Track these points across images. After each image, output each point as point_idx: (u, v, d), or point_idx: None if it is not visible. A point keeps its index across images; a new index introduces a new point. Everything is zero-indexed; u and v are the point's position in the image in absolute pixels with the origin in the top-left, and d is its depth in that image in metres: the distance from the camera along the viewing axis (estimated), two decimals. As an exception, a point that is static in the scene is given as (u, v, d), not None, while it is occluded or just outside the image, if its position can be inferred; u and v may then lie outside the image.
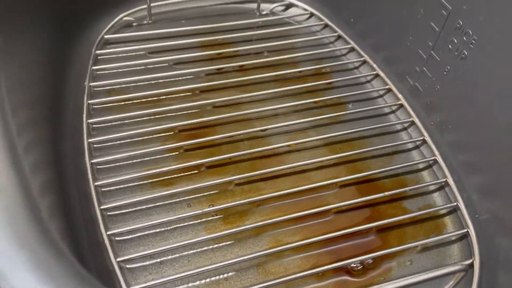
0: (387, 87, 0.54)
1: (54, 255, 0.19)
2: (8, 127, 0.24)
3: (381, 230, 0.43)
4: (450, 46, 0.44)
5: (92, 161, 0.44)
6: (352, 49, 0.59)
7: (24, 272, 0.17)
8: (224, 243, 0.41)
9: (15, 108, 0.28)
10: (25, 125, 0.31)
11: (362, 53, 0.58)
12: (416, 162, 0.48)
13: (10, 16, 0.36)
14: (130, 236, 0.40)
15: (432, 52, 0.47)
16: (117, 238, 0.40)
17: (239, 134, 0.49)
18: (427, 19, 0.47)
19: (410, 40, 0.50)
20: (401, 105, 0.52)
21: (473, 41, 0.41)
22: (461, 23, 0.43)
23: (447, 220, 0.44)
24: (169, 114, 0.50)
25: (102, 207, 0.41)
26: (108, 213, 0.42)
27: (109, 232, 0.39)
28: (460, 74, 0.44)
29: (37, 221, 0.21)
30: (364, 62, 0.58)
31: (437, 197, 0.46)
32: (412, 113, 0.51)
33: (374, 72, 0.56)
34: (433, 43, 0.47)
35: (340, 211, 0.44)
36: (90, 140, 0.45)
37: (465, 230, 0.42)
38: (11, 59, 0.33)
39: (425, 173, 0.48)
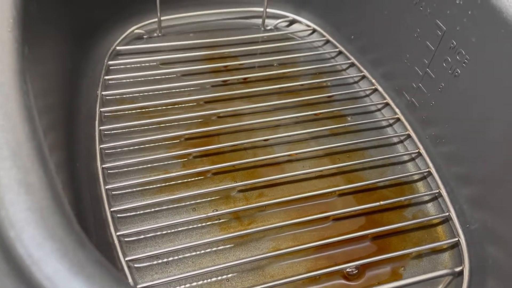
0: (384, 101, 0.57)
1: (78, 246, 0.21)
2: (36, 127, 0.27)
3: (376, 237, 0.45)
4: (444, 64, 0.47)
5: (104, 165, 0.46)
6: (352, 64, 0.62)
7: (55, 262, 0.20)
8: (226, 246, 0.43)
9: (40, 112, 0.30)
10: (47, 129, 0.33)
11: (362, 68, 0.61)
12: (411, 173, 0.50)
13: (34, 27, 0.38)
14: (138, 237, 0.43)
15: (427, 69, 0.50)
16: (126, 239, 0.42)
17: (243, 143, 0.51)
18: (424, 38, 0.50)
19: (407, 58, 0.53)
20: (398, 119, 0.55)
21: (465, 60, 0.44)
22: (455, 43, 0.45)
23: (440, 229, 0.46)
24: (176, 123, 0.53)
25: (112, 209, 0.43)
26: (118, 215, 0.44)
27: (118, 233, 0.42)
28: (454, 91, 0.46)
29: (61, 211, 0.23)
30: (364, 77, 0.60)
31: (430, 207, 0.48)
32: (408, 126, 0.54)
33: (373, 87, 0.59)
34: (428, 61, 0.49)
35: (338, 218, 0.46)
36: (101, 145, 0.48)
37: (456, 239, 0.44)
38: (34, 67, 0.35)
39: (419, 184, 0.50)
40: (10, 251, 0.20)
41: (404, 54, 0.53)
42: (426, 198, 0.49)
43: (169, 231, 0.44)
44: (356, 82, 0.61)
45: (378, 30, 0.58)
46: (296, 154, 0.51)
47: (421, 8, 0.49)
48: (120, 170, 0.47)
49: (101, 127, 0.50)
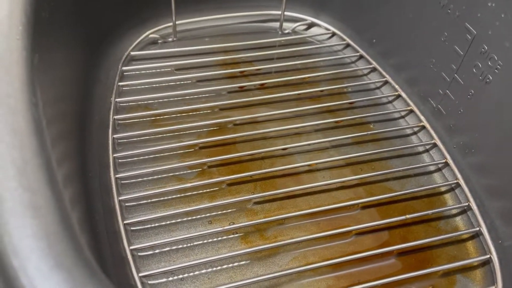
0: (409, 108, 0.54)
1: (88, 276, 0.19)
2: (44, 140, 0.25)
3: (401, 253, 0.43)
4: (474, 70, 0.44)
5: (117, 175, 0.45)
6: (374, 69, 0.60)
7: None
8: (243, 262, 0.41)
9: (49, 122, 0.29)
10: (57, 139, 0.32)
11: (384, 73, 0.58)
12: (438, 185, 0.48)
13: (45, 33, 0.37)
14: (152, 252, 0.41)
15: (455, 75, 0.47)
16: (139, 253, 0.41)
17: (260, 152, 0.49)
18: (451, 43, 0.47)
19: (433, 62, 0.50)
20: (423, 127, 0.52)
21: (498, 66, 0.41)
22: (486, 48, 0.43)
23: (470, 245, 0.44)
24: (191, 131, 0.51)
25: (125, 222, 0.42)
26: (131, 228, 0.42)
27: (132, 247, 0.40)
28: (484, 98, 0.44)
29: (70, 237, 0.21)
30: (386, 82, 0.58)
31: (459, 221, 0.46)
32: (434, 135, 0.51)
33: (396, 93, 0.56)
34: (457, 67, 0.47)
35: (360, 233, 0.44)
36: (115, 155, 0.46)
37: (488, 256, 0.42)
38: (45, 75, 0.34)
39: (447, 196, 0.47)
40: (13, 282, 0.19)
41: (430, 59, 0.51)
42: (455, 211, 0.46)
43: (184, 245, 0.42)
44: (378, 88, 0.58)
45: (401, 34, 0.56)
46: (316, 164, 0.49)
47: (449, 11, 0.47)
48: (134, 181, 0.46)
49: (114, 136, 0.48)
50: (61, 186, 0.24)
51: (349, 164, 0.50)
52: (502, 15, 0.40)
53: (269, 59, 0.61)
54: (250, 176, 0.47)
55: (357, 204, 0.46)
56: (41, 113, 0.28)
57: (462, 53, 0.46)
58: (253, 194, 0.46)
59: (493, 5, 0.41)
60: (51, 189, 0.22)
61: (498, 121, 0.42)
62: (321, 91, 0.57)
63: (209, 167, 0.48)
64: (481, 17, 0.43)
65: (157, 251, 0.41)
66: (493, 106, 0.43)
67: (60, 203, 0.21)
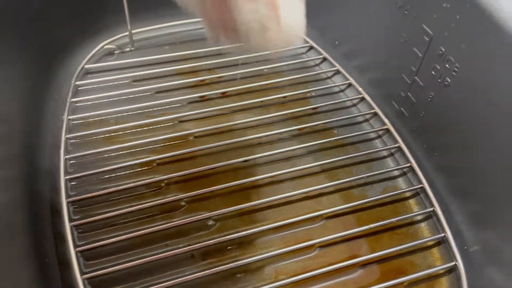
0: (373, 111, 0.53)
1: None
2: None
3: (366, 264, 0.41)
4: (433, 73, 0.43)
5: (69, 200, 0.43)
6: (337, 72, 0.58)
7: None
8: (204, 283, 0.40)
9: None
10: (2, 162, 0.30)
11: (347, 75, 0.57)
12: (402, 191, 0.47)
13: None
14: (106, 277, 0.39)
15: (415, 77, 0.46)
16: (93, 280, 0.39)
17: (220, 166, 0.47)
18: (410, 44, 0.46)
19: (394, 64, 0.49)
20: (388, 130, 0.51)
21: (455, 68, 0.40)
22: (444, 50, 0.41)
23: (435, 252, 0.43)
24: (149, 147, 0.49)
25: (77, 249, 0.40)
26: (84, 254, 0.40)
27: (84, 276, 0.38)
28: (444, 101, 0.43)
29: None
30: (350, 85, 0.57)
31: (424, 228, 0.45)
32: (398, 138, 0.50)
33: (360, 96, 0.55)
34: (416, 68, 0.46)
35: (324, 245, 0.42)
36: (67, 177, 0.44)
37: (453, 263, 0.41)
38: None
39: (412, 202, 0.46)
40: None
41: (391, 61, 0.50)
42: (420, 217, 0.45)
43: (140, 269, 0.40)
44: (342, 91, 0.57)
45: (363, 35, 0.54)
46: (280, 174, 0.47)
47: (406, 12, 0.45)
48: (86, 205, 0.44)
49: (66, 156, 0.46)
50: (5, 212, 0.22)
51: (313, 173, 0.48)
52: (457, 17, 0.39)
53: (231, 65, 0.59)
54: (211, 191, 0.45)
55: (321, 215, 0.44)
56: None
57: (420, 55, 0.45)
58: (212, 211, 0.44)
59: (448, 6, 0.40)
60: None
61: (458, 124, 0.41)
62: (284, 97, 0.56)
63: (167, 184, 0.46)
64: (437, 18, 0.42)
65: (111, 276, 0.39)
66: (452, 109, 0.42)
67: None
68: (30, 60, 0.49)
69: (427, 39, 0.43)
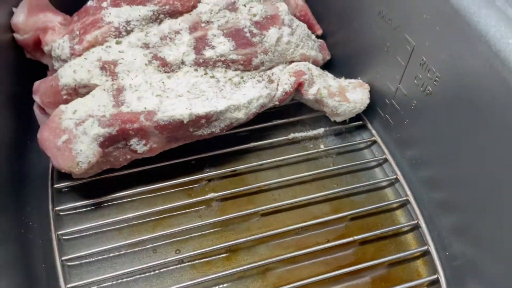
0: (359, 122, 0.53)
1: None
2: None
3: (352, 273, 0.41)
4: (415, 81, 0.43)
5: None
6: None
7: None
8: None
9: None
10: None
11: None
12: (388, 202, 0.46)
13: None
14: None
15: (399, 85, 0.46)
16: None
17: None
18: (394, 53, 0.45)
19: (379, 72, 0.49)
20: (375, 141, 0.51)
21: (436, 78, 0.40)
22: (425, 59, 0.41)
23: (419, 264, 0.43)
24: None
25: (63, 258, 0.41)
26: (69, 264, 0.41)
27: (68, 286, 0.39)
28: (426, 109, 0.42)
29: None
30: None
31: (409, 240, 0.44)
32: (385, 149, 0.50)
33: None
34: (399, 77, 0.45)
35: (305, 259, 0.42)
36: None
37: (435, 276, 0.40)
38: None
39: (398, 213, 0.46)
40: None
41: (376, 68, 0.49)
42: (405, 229, 0.45)
43: (127, 279, 0.41)
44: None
45: (348, 42, 0.54)
46: (266, 185, 0.47)
47: (389, 21, 0.45)
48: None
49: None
50: None
51: (300, 183, 0.48)
52: (437, 28, 0.39)
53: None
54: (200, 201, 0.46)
55: (306, 226, 0.44)
56: None
57: (403, 64, 0.44)
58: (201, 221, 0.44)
59: (428, 17, 0.39)
60: None
61: (441, 133, 0.41)
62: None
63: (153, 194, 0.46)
64: (418, 29, 0.41)
65: (98, 287, 0.40)
66: (435, 117, 0.41)
67: None
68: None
69: (409, 49, 0.43)
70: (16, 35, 0.47)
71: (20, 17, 0.47)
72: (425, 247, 0.42)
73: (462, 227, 0.40)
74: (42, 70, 0.49)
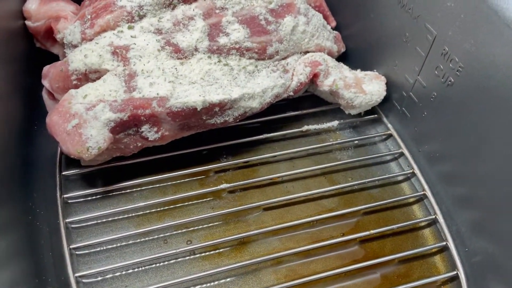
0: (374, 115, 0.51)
1: None
2: None
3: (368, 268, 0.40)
4: (436, 72, 0.42)
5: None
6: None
7: None
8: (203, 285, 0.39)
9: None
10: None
11: (351, 76, 0.55)
12: (405, 197, 0.45)
13: None
14: (101, 278, 0.39)
15: (418, 77, 0.44)
16: (84, 280, 0.38)
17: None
18: (413, 44, 0.44)
19: (397, 64, 0.48)
20: (390, 135, 0.50)
21: (459, 68, 0.39)
22: (447, 49, 0.40)
23: (438, 260, 0.41)
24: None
25: (72, 246, 0.39)
26: (78, 252, 0.40)
27: (77, 274, 0.38)
28: (447, 101, 0.41)
29: None
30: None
31: (427, 235, 0.43)
32: (401, 143, 0.48)
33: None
34: (419, 68, 0.44)
35: (319, 253, 0.41)
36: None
37: (455, 272, 0.39)
38: None
39: (415, 207, 0.45)
40: None
41: (393, 60, 0.48)
42: (422, 224, 0.43)
43: (137, 269, 0.39)
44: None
45: (364, 34, 0.53)
46: (280, 176, 0.46)
47: (409, 11, 0.44)
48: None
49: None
50: None
51: (314, 175, 0.47)
52: (462, 16, 0.37)
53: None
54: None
55: (322, 219, 0.43)
56: None
57: (423, 54, 0.43)
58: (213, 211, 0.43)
59: (452, 5, 0.38)
60: None
61: (461, 125, 0.40)
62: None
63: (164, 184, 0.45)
64: (441, 17, 0.40)
65: (107, 276, 0.39)
66: (455, 109, 0.40)
67: None
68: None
69: (430, 38, 0.42)
70: (28, 22, 0.46)
71: (33, 4, 0.46)
72: (444, 243, 0.41)
73: (482, 223, 0.39)
74: (51, 57, 0.48)
